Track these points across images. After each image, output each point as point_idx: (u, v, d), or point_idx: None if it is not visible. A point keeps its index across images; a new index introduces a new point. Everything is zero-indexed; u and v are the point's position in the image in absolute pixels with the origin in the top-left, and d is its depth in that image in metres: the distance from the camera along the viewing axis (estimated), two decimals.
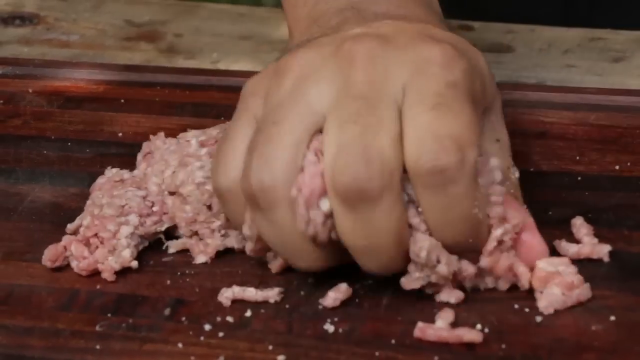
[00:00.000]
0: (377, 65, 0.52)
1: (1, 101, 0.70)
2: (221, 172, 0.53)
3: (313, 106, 0.52)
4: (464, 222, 0.51)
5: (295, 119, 0.52)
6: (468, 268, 0.52)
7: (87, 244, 0.56)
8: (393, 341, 0.51)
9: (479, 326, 0.52)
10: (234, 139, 0.54)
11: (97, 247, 0.56)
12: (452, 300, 0.52)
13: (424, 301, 0.53)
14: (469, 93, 0.52)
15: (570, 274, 0.52)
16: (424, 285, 0.52)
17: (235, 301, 0.54)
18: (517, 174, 0.55)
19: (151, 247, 0.57)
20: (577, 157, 0.62)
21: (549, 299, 0.52)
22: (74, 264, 0.56)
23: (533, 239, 0.53)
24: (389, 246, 0.51)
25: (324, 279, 0.54)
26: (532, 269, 0.53)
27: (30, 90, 0.71)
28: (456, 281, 0.53)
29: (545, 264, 0.53)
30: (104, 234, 0.56)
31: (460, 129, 0.50)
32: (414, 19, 0.57)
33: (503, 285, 0.53)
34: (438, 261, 0.51)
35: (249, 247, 0.54)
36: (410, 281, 0.52)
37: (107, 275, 0.55)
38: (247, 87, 0.55)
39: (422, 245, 0.51)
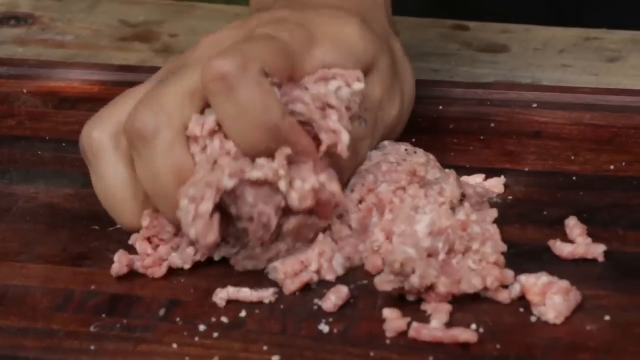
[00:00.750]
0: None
1: None
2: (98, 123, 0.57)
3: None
4: (257, 128, 0.54)
5: (185, 78, 0.56)
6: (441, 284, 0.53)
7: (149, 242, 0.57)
8: (387, 341, 0.51)
9: (473, 326, 0.51)
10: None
11: (157, 245, 0.56)
12: (440, 316, 0.52)
13: (418, 302, 0.53)
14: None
15: (559, 280, 0.52)
16: (403, 290, 0.53)
17: (229, 301, 0.54)
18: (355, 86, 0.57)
19: None
20: (572, 157, 0.62)
21: (557, 309, 0.52)
22: (137, 264, 0.56)
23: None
24: (169, 186, 0.54)
25: (317, 282, 0.54)
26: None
27: (25, 91, 0.70)
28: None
29: (534, 279, 0.52)
30: (163, 235, 0.56)
31: (254, 48, 0.55)
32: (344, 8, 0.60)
33: None
34: (413, 272, 0.52)
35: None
36: (383, 282, 0.52)
37: (159, 272, 0.56)
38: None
39: (396, 258, 0.52)
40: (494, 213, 0.56)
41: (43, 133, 0.67)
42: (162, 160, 0.54)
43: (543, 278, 0.52)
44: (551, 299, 0.52)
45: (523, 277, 0.53)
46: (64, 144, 0.66)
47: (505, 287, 0.53)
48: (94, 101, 0.69)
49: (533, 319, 0.52)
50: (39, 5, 0.82)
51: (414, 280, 0.52)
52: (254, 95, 0.53)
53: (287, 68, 0.55)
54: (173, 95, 0.55)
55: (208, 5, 0.82)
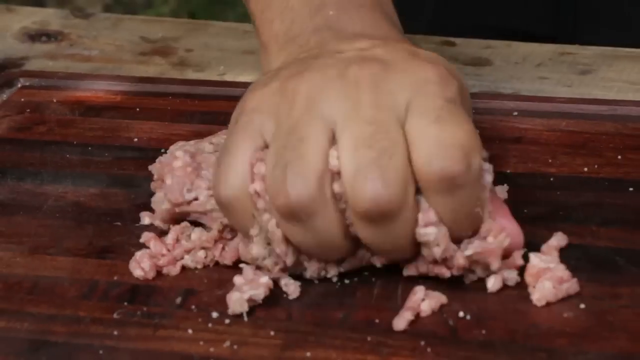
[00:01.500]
0: (382, 89, 0.52)
1: (28, 110, 0.69)
2: (223, 182, 0.52)
3: (327, 124, 0.51)
4: (468, 219, 0.51)
5: (318, 135, 0.51)
6: (459, 258, 0.52)
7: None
8: (383, 327, 0.51)
9: (461, 313, 0.51)
10: (236, 150, 0.52)
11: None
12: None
13: (411, 291, 0.52)
14: (463, 106, 0.52)
15: (560, 269, 0.52)
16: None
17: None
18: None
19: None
20: (550, 160, 0.62)
21: (542, 292, 0.51)
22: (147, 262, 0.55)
23: (508, 224, 0.53)
24: (406, 248, 0.51)
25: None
26: (507, 254, 0.52)
27: (55, 100, 0.70)
28: (447, 269, 0.52)
29: (538, 261, 0.52)
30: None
31: (464, 137, 0.50)
32: (387, 38, 0.56)
33: (486, 275, 0.53)
34: (437, 244, 0.51)
35: (267, 260, 0.53)
36: (412, 267, 0.52)
37: (174, 271, 0.55)
38: (250, 102, 0.54)
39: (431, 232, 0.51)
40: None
41: (71, 138, 0.66)
42: (404, 230, 0.50)
43: (542, 263, 0.52)
44: (542, 283, 0.51)
45: (532, 255, 0.52)
46: (89, 148, 0.65)
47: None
48: (117, 109, 0.69)
49: (516, 307, 0.51)
50: (67, 24, 0.82)
51: (436, 251, 0.51)
52: (473, 192, 0.51)
53: None
54: (315, 174, 0.50)
55: (221, 23, 0.81)
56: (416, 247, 0.52)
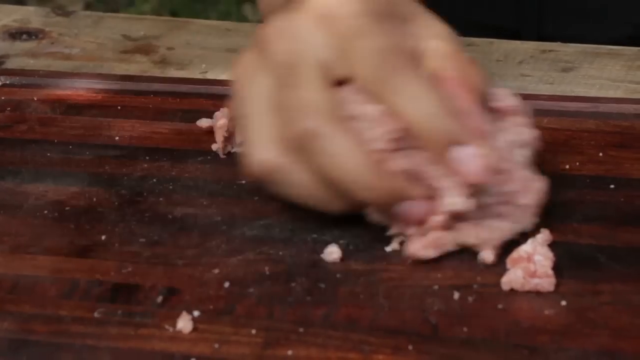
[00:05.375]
0: (286, 35, 0.55)
1: (9, 108, 0.69)
2: (260, 150, 0.54)
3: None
4: (439, 108, 0.52)
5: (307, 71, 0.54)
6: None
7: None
8: (365, 325, 0.51)
9: (443, 311, 0.51)
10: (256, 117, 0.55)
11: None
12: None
13: (392, 289, 0.52)
14: (374, 17, 0.55)
15: (540, 264, 0.52)
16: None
17: (221, 290, 0.53)
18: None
19: (145, 237, 0.57)
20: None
21: (509, 277, 0.52)
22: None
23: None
24: (358, 161, 0.52)
25: (302, 271, 0.54)
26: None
27: (35, 99, 0.70)
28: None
29: (528, 247, 0.52)
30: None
31: (387, 40, 0.53)
32: None
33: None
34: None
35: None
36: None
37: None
38: (238, 70, 0.56)
39: None
40: None
41: (52, 137, 0.66)
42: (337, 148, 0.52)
43: (527, 251, 0.52)
44: (515, 269, 0.52)
45: (529, 242, 0.53)
46: (70, 147, 0.65)
47: None
48: (98, 108, 0.68)
49: (498, 305, 0.51)
50: (48, 22, 0.81)
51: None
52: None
53: None
54: (315, 93, 0.53)
55: (202, 21, 0.81)
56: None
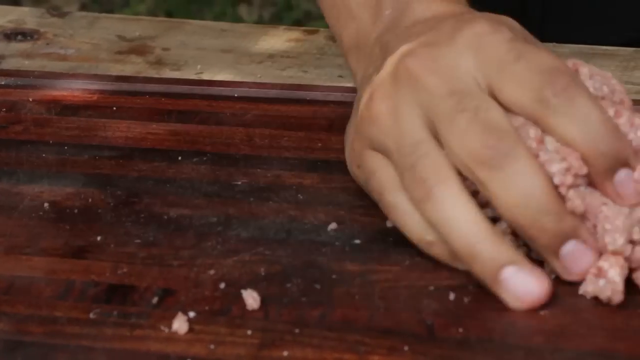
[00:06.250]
0: (439, 66, 0.52)
1: (4, 109, 0.69)
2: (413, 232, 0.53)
3: (417, 132, 0.52)
4: (605, 126, 0.50)
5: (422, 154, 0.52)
6: None
7: None
8: (361, 326, 0.51)
9: (438, 312, 0.51)
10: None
11: None
12: None
13: (387, 290, 0.52)
14: (526, 39, 0.53)
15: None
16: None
17: (217, 290, 0.53)
18: None
19: (140, 238, 0.57)
20: None
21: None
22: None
23: None
24: (544, 188, 0.50)
25: (297, 271, 0.54)
26: None
27: (31, 99, 0.70)
28: None
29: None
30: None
31: (549, 59, 0.51)
32: (442, 14, 0.56)
33: None
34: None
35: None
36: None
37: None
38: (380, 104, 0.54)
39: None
40: None
41: (47, 138, 0.66)
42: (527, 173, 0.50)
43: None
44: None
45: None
46: (66, 148, 0.65)
47: None
48: (93, 108, 0.68)
49: (493, 305, 0.51)
50: (43, 23, 0.81)
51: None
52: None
53: None
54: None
55: (198, 22, 0.81)
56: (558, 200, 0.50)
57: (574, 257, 0.50)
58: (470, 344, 0.50)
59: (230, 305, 0.52)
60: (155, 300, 0.53)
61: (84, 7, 2.12)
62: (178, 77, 0.73)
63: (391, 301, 0.52)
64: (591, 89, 0.52)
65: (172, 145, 0.64)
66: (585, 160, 0.50)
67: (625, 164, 0.51)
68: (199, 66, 0.75)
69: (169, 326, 0.51)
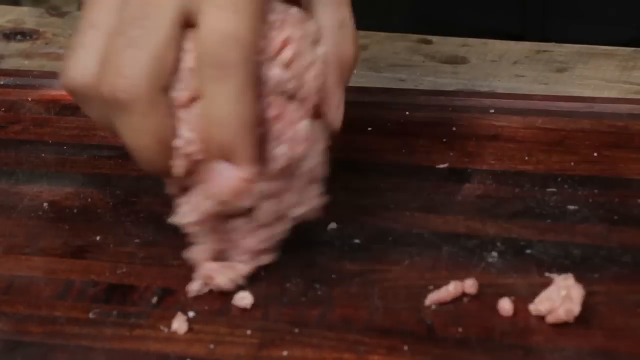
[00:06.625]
0: None
1: (3, 109, 0.69)
2: (73, 68, 0.51)
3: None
4: (235, 120, 0.49)
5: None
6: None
7: None
8: (360, 326, 0.51)
9: (437, 311, 0.51)
10: (86, 31, 0.52)
11: None
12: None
13: (387, 289, 0.52)
14: None
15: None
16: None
17: (216, 291, 0.53)
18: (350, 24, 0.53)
19: (139, 237, 0.57)
20: (526, 157, 0.62)
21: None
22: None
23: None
24: (150, 145, 0.50)
25: (297, 271, 0.54)
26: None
27: (30, 99, 0.70)
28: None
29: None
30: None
31: (240, 26, 0.49)
32: None
33: None
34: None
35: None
36: None
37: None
38: None
39: None
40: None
41: (46, 137, 0.66)
42: (143, 123, 0.50)
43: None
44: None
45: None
46: (65, 147, 0.65)
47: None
48: None
49: (492, 305, 0.51)
50: (43, 22, 0.81)
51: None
52: (247, 86, 0.50)
53: None
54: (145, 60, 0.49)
55: None
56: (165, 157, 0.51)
57: None
58: (470, 343, 0.50)
59: (230, 305, 0.52)
60: (154, 300, 0.53)
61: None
62: None
63: (391, 301, 0.52)
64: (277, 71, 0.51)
65: None
66: (204, 133, 0.50)
67: (230, 159, 0.50)
68: None
69: (169, 326, 0.51)
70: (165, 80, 0.50)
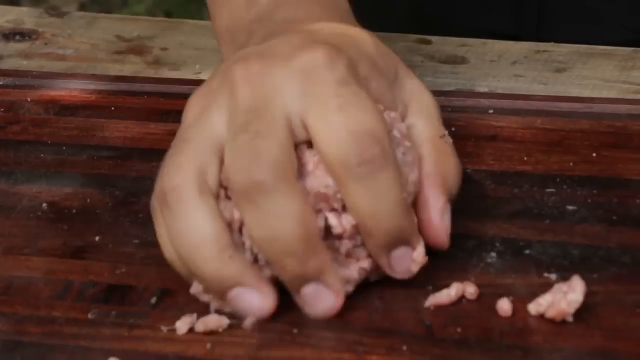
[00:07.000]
0: (259, 81, 0.51)
1: (2, 109, 0.69)
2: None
3: (216, 130, 0.52)
4: (398, 207, 0.50)
5: (200, 137, 0.52)
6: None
7: None
8: (359, 326, 0.51)
9: (436, 312, 0.51)
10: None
11: None
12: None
13: (386, 290, 0.52)
14: (360, 81, 0.52)
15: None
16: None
17: None
18: (450, 141, 0.55)
19: (138, 238, 0.57)
20: (525, 158, 0.62)
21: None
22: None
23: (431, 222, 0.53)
24: (292, 230, 0.49)
25: None
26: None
27: (29, 99, 0.70)
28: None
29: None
30: None
31: (370, 121, 0.50)
32: (315, 19, 0.56)
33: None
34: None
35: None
36: None
37: None
38: (195, 99, 0.55)
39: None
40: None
41: (45, 138, 0.66)
42: (285, 206, 0.49)
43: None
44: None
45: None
46: (64, 148, 0.65)
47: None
48: (91, 109, 0.68)
49: (490, 305, 0.51)
50: (42, 23, 0.81)
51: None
52: (396, 176, 0.51)
53: None
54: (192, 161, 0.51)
55: (196, 22, 0.81)
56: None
57: (314, 298, 0.50)
58: (469, 343, 0.50)
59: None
60: (153, 300, 0.53)
61: (82, 7, 2.12)
62: (176, 77, 0.73)
63: (390, 301, 0.52)
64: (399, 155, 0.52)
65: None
66: (366, 230, 0.50)
67: (406, 242, 0.51)
68: (197, 66, 0.75)
69: (168, 326, 0.51)
70: (295, 170, 0.50)
